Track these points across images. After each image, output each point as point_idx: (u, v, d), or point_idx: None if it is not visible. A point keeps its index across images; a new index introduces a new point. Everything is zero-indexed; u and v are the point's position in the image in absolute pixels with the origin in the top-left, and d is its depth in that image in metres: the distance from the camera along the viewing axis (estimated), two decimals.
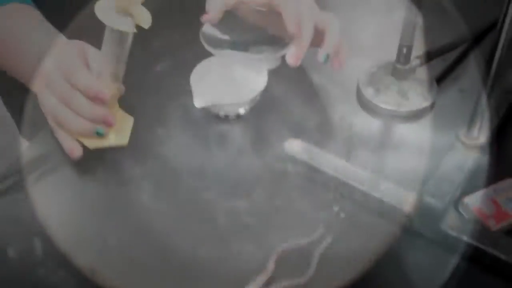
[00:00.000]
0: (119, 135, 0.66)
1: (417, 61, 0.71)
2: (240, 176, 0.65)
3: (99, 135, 0.63)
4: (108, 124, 0.63)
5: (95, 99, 0.62)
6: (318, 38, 0.66)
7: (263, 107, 0.71)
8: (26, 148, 0.69)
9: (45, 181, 0.66)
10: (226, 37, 0.71)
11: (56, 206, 0.64)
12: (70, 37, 0.69)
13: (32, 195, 0.63)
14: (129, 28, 0.62)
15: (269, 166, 0.66)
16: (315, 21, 0.66)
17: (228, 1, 0.70)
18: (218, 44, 0.70)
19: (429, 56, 0.73)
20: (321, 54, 0.66)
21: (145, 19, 0.62)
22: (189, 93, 0.69)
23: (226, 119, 0.70)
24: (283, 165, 0.65)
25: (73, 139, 0.64)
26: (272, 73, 0.70)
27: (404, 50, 0.69)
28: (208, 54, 0.71)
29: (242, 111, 0.70)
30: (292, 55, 0.65)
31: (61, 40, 0.68)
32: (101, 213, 0.63)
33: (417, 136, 0.69)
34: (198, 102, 0.68)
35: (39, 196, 0.64)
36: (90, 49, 0.65)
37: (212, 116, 0.70)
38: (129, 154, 0.66)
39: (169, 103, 0.72)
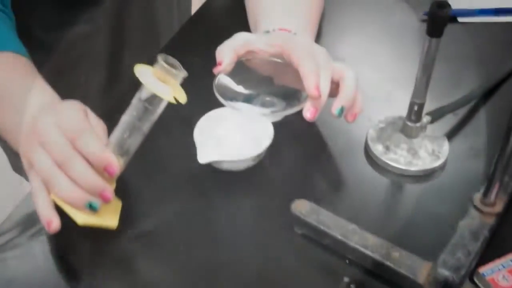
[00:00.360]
0: (109, 215, 0.59)
1: (428, 118, 0.69)
2: (243, 239, 0.62)
3: (92, 209, 0.56)
4: (105, 199, 0.56)
5: (104, 169, 0.56)
6: (332, 89, 0.64)
7: (268, 162, 0.68)
8: (21, 202, 0.66)
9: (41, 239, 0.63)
10: (240, 89, 0.69)
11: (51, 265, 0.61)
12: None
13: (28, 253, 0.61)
14: (167, 95, 0.58)
15: (274, 228, 0.63)
16: (331, 73, 0.64)
17: (239, 50, 0.68)
18: (232, 96, 0.67)
19: (441, 112, 0.71)
20: (335, 107, 0.64)
21: (181, 95, 0.60)
22: (192, 147, 0.66)
23: (229, 173, 0.67)
24: (289, 227, 0.62)
25: (53, 209, 0.56)
26: (277, 124, 0.68)
27: (416, 107, 0.67)
28: (212, 107, 0.68)
29: (246, 166, 0.67)
30: (310, 110, 0.63)
31: (55, 97, 0.63)
32: (98, 274, 0.60)
33: (429, 198, 0.66)
34: (202, 158, 0.65)
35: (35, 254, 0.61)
36: (91, 114, 0.60)
37: (215, 171, 0.67)
38: (129, 208, 0.63)
39: (170, 156, 0.70)
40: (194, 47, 0.86)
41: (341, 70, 0.65)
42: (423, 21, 0.90)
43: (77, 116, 0.58)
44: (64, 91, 0.89)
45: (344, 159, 0.70)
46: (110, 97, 0.97)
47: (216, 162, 0.66)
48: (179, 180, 0.67)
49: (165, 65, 0.58)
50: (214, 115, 0.69)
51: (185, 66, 0.81)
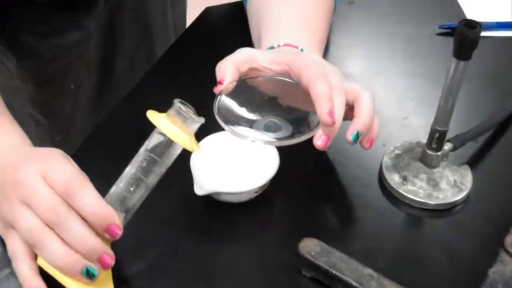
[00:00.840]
0: (104, 280, 0.51)
1: (450, 146, 0.62)
2: (243, 282, 0.56)
3: (89, 276, 0.47)
4: (104, 264, 0.48)
5: (105, 230, 0.48)
6: (346, 112, 0.58)
7: (271, 194, 0.61)
8: None
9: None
10: (242, 111, 0.61)
11: None
12: None
13: None
14: (186, 142, 0.51)
15: (279, 270, 0.56)
16: (345, 95, 0.58)
17: (241, 67, 0.61)
18: (234, 119, 0.60)
19: (463, 139, 0.64)
20: (350, 132, 0.57)
21: (195, 145, 0.53)
22: (189, 176, 0.59)
23: (229, 206, 0.60)
24: (296, 269, 0.55)
25: (39, 278, 0.48)
26: (283, 149, 0.61)
27: (437, 135, 0.60)
28: (210, 131, 0.61)
29: (248, 199, 0.60)
30: (322, 139, 0.56)
31: (26, 139, 0.56)
32: None
33: (451, 235, 0.59)
34: (198, 189, 0.58)
35: None
36: (74, 163, 0.51)
37: (213, 203, 0.60)
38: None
39: (164, 187, 0.63)
40: (190, 62, 0.79)
41: (355, 91, 0.59)
42: (438, 34, 0.84)
43: (66, 165, 0.49)
44: (54, 98, 0.86)
45: (356, 190, 0.63)
46: (101, 105, 0.92)
47: (215, 193, 0.59)
48: (174, 213, 0.60)
49: (183, 109, 0.51)
50: (213, 141, 0.62)
51: (181, 83, 0.76)
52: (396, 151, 0.66)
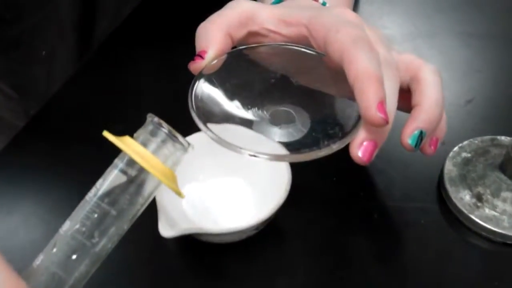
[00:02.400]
0: None
1: None
2: None
3: None
4: None
5: None
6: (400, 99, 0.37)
7: (279, 225, 0.41)
8: None
9: None
10: (234, 104, 0.40)
11: None
12: None
13: None
14: (168, 177, 0.32)
15: None
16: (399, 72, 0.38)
17: (235, 32, 0.40)
18: (220, 118, 0.39)
19: None
20: (410, 132, 0.37)
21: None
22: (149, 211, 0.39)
23: (216, 246, 0.40)
24: None
25: None
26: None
27: None
28: (185, 132, 0.41)
29: (244, 237, 0.40)
30: (364, 148, 0.35)
31: None
32: None
33: None
34: (165, 230, 0.38)
35: None
36: None
37: (193, 245, 0.40)
38: None
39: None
40: (160, 28, 0.58)
41: (413, 65, 0.40)
42: None
43: None
44: (23, 68, 0.72)
45: (406, 217, 0.42)
46: (80, 73, 0.74)
47: (190, 234, 0.39)
48: (139, 262, 0.40)
49: (164, 128, 0.32)
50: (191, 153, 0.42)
51: (149, 58, 0.56)
52: (464, 154, 0.45)
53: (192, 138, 0.41)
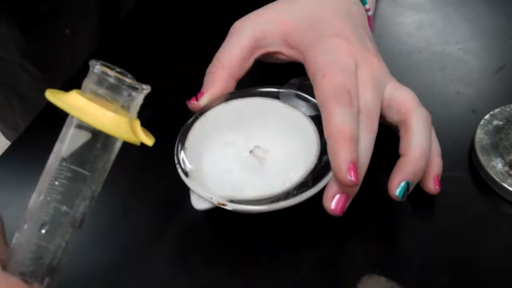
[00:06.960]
0: None
1: None
2: None
3: None
4: None
5: None
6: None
7: (306, 203, 0.41)
8: None
9: None
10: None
11: None
12: None
13: None
14: (124, 133, 0.30)
15: None
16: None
17: (239, 72, 0.43)
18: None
19: None
20: (397, 184, 0.38)
21: (143, 132, 0.31)
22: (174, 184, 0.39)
23: (245, 219, 0.41)
24: None
25: None
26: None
27: None
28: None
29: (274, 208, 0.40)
30: (336, 200, 0.37)
31: None
32: None
33: None
34: (198, 202, 0.38)
35: None
36: None
37: (223, 216, 0.41)
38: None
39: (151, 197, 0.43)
40: (184, 8, 0.57)
41: (405, 108, 0.39)
42: None
43: None
44: (47, 47, 0.72)
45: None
46: (102, 51, 0.73)
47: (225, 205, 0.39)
48: (167, 238, 0.41)
49: (109, 74, 0.29)
50: (211, 119, 0.42)
51: (172, 37, 0.55)
52: (495, 122, 0.44)
53: (214, 111, 0.42)
